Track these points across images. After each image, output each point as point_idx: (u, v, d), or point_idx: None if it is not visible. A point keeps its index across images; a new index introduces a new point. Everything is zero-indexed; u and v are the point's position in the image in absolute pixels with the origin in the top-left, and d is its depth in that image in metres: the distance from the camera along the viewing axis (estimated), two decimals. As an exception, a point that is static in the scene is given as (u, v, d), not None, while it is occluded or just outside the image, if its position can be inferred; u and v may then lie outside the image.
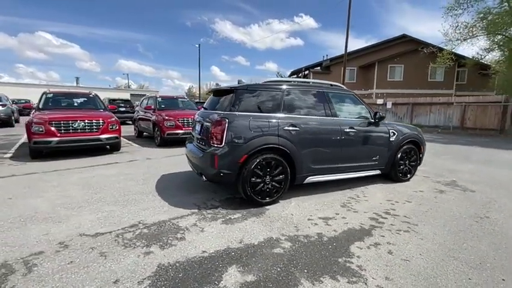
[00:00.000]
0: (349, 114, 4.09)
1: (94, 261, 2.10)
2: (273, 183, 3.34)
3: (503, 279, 2.00)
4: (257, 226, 2.80)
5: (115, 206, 3.23)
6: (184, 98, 9.69)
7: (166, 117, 7.51)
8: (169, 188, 3.98)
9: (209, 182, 3.38)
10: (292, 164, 3.42)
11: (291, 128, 3.37)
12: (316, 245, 2.45)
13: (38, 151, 5.67)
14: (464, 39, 16.26)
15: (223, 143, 3.10)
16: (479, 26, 16.27)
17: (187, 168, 5.07)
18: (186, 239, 2.49)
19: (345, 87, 4.24)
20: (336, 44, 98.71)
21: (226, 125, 3.09)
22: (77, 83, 42.51)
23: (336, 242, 2.51)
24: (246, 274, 2.00)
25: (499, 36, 15.57)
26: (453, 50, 17.28)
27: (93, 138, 5.96)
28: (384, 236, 2.65)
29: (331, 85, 4.11)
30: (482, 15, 15.91)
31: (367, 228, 2.82)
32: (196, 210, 3.17)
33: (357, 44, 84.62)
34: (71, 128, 5.72)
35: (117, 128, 6.52)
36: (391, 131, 4.30)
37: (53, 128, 5.54)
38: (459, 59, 19.22)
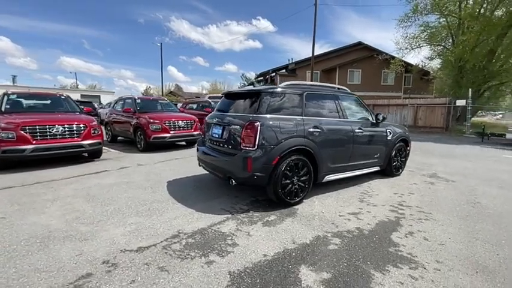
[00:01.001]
0: (355, 115, 4.39)
1: (159, 277, 1.95)
2: (299, 183, 3.44)
3: (520, 252, 2.40)
4: (298, 226, 2.87)
5: (139, 217, 2.99)
6: (164, 100, 9.20)
7: (151, 120, 7.06)
8: (186, 194, 3.80)
9: (240, 185, 3.34)
10: (315, 164, 3.57)
11: (314, 130, 3.52)
12: (362, 239, 2.62)
13: (7, 161, 4.88)
14: (412, 49, 18.48)
15: (256, 146, 3.10)
16: (423, 37, 18.65)
17: (191, 173, 4.93)
18: (239, 245, 2.45)
19: (349, 90, 4.55)
20: (292, 47, 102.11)
21: (259, 127, 3.10)
22: (13, 82, 36.85)
23: (377, 234, 2.72)
24: (319, 272, 2.07)
25: (439, 47, 18.04)
26: (403, 58, 19.46)
27: (74, 144, 5.34)
28: (411, 225, 2.94)
29: (338, 88, 4.38)
30: (422, 28, 18.29)
31: (394, 219, 3.10)
32: (229, 215, 3.11)
33: (311, 48, 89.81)
34: (48, 133, 5.04)
35: (100, 132, 5.94)
36: (388, 130, 4.74)
37: (26, 134, 4.81)
38: (407, 66, 21.73)
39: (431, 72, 23.40)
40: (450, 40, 16.96)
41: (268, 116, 3.25)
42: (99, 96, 35.85)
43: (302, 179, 3.45)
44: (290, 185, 3.34)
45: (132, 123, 7.56)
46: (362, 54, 25.40)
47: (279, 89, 3.51)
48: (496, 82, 15.99)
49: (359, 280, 1.98)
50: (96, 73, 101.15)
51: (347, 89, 4.54)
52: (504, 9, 14.39)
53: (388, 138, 4.73)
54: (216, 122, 3.71)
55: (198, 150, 4.21)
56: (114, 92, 40.70)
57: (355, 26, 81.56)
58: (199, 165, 4.25)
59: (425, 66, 21.34)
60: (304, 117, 3.52)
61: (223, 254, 2.29)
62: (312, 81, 18.96)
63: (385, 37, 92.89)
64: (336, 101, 4.05)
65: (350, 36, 79.30)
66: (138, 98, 8.28)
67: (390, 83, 25.48)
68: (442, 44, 17.90)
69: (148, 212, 3.13)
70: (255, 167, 3.09)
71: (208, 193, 3.89)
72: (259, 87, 3.72)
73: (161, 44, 32.95)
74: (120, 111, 8.40)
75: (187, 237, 2.56)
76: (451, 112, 14.17)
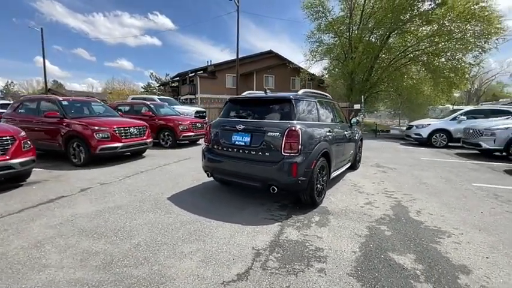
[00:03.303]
0: (338, 119, 5.07)
1: (298, 298, 1.84)
2: (322, 183, 3.75)
3: (481, 212, 3.54)
4: (346, 221, 3.17)
5: (192, 244, 2.56)
6: (97, 102, 7.48)
7: (96, 128, 5.71)
8: (208, 209, 3.43)
9: (283, 192, 3.33)
10: (329, 164, 3.96)
11: (329, 134, 3.91)
12: (396, 222, 3.18)
13: None
14: (317, 61, 21.92)
15: (298, 152, 3.20)
16: (319, 50, 22.37)
17: (183, 186, 4.65)
18: (324, 248, 2.54)
19: (330, 96, 5.18)
20: (197, 49, 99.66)
21: (300, 133, 3.21)
22: None
23: (402, 217, 3.35)
24: (405, 254, 2.45)
25: (336, 61, 22.17)
26: (309, 68, 22.80)
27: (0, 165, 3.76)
28: (412, 206, 3.76)
29: (326, 95, 4.94)
30: (318, 43, 22.03)
31: (397, 203, 3.86)
32: (279, 223, 3.09)
33: (214, 52, 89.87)
34: (-45, 152, 3.36)
35: (32, 146, 4.40)
36: (355, 131, 5.69)
37: None
38: (312, 75, 25.59)
39: (325, 80, 28.41)
40: (343, 56, 21.12)
41: (301, 122, 3.40)
42: None
43: (324, 178, 3.77)
44: (318, 186, 3.61)
45: (63, 132, 5.87)
46: (274, 61, 28.08)
47: (304, 97, 3.71)
48: (374, 91, 21.13)
49: (433, 253, 2.48)
50: None
51: (328, 95, 5.16)
52: (376, 36, 19.19)
53: (356, 137, 5.70)
54: (242, 129, 3.51)
55: (206, 158, 3.86)
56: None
57: (253, 35, 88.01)
58: (209, 176, 3.91)
59: (323, 76, 25.72)
60: (322, 123, 3.86)
61: (322, 260, 2.33)
62: (237, 84, 19.56)
63: (279, 47, 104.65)
64: (332, 107, 4.58)
65: (250, 43, 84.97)
66: (64, 100, 6.46)
67: (297, 88, 29.24)
68: (337, 59, 22.07)
69: (194, 237, 2.71)
70: (299, 172, 3.18)
71: (230, 204, 3.64)
72: (283, 94, 3.79)
73: (42, 29, 25.77)
74: (34, 117, 6.34)
75: (270, 253, 2.43)
76: (350, 114, 17.76)
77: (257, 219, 3.20)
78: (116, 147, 5.90)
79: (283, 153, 3.21)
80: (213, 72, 25.73)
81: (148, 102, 9.65)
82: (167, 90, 34.83)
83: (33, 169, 5.37)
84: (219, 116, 4.08)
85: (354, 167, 5.95)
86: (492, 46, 14.25)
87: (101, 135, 5.71)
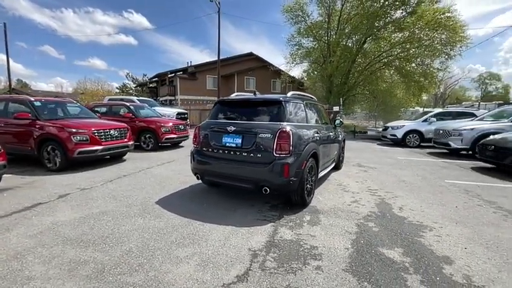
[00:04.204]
0: (324, 120, 5.22)
1: (299, 296, 1.88)
2: (311, 183, 3.84)
3: (456, 207, 3.82)
4: (336, 220, 3.28)
5: (187, 248, 2.52)
6: (73, 102, 7.05)
7: (74, 130, 5.40)
8: (199, 212, 3.38)
9: (274, 193, 3.35)
10: (317, 164, 4.07)
11: (317, 135, 4.02)
12: (382, 219, 3.34)
13: None
14: (297, 63, 22.37)
15: (290, 153, 3.26)
16: (299, 53, 22.89)
17: (170, 189, 4.56)
18: (318, 246, 2.61)
19: (316, 99, 5.33)
20: (173, 49, 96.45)
21: (291, 134, 3.27)
22: None
23: (387, 213, 3.52)
24: (393, 249, 2.58)
25: (315, 64, 22.77)
26: (290, 71, 23.21)
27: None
28: (395, 203, 3.97)
29: (311, 97, 5.07)
30: (297, 47, 22.55)
31: (381, 201, 4.05)
32: (273, 223, 3.12)
33: (193, 52, 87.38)
34: None
35: (2, 151, 4.08)
36: (339, 132, 5.89)
37: None
38: (293, 77, 26.08)
39: (305, 83, 29.08)
40: (322, 59, 21.76)
41: (291, 123, 3.47)
42: None
43: (313, 178, 3.87)
44: (308, 186, 3.69)
45: (35, 135, 5.49)
46: (255, 64, 28.24)
47: (293, 99, 3.78)
48: (351, 93, 21.98)
49: (418, 247, 2.63)
50: None
51: (314, 97, 5.31)
52: (353, 41, 20.00)
53: (339, 138, 5.89)
54: (233, 131, 3.50)
55: (195, 160, 3.80)
56: None
57: (232, 37, 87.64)
58: (199, 178, 3.86)
59: (303, 78, 26.29)
60: (310, 124, 3.96)
61: (318, 257, 2.39)
62: (218, 86, 19.42)
63: (258, 49, 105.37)
64: (317, 109, 4.71)
65: (229, 45, 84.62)
66: (36, 100, 6.04)
67: (278, 90, 29.66)
68: (316, 62, 22.69)
69: (188, 240, 2.66)
70: (291, 173, 3.24)
71: (220, 206, 3.62)
72: (273, 96, 3.83)
73: (5, 23, 23.76)
74: (1, 119, 5.86)
75: (266, 253, 2.45)
76: (330, 115, 18.30)
77: (249, 220, 3.20)
78: (95, 151, 5.61)
79: (274, 155, 3.25)
80: (193, 73, 25.34)
81: (127, 104, 9.29)
82: (145, 91, 33.69)
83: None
84: (208, 118, 4.04)
85: (337, 167, 6.15)
86: (456, 53, 15.43)
87: (78, 137, 5.41)
